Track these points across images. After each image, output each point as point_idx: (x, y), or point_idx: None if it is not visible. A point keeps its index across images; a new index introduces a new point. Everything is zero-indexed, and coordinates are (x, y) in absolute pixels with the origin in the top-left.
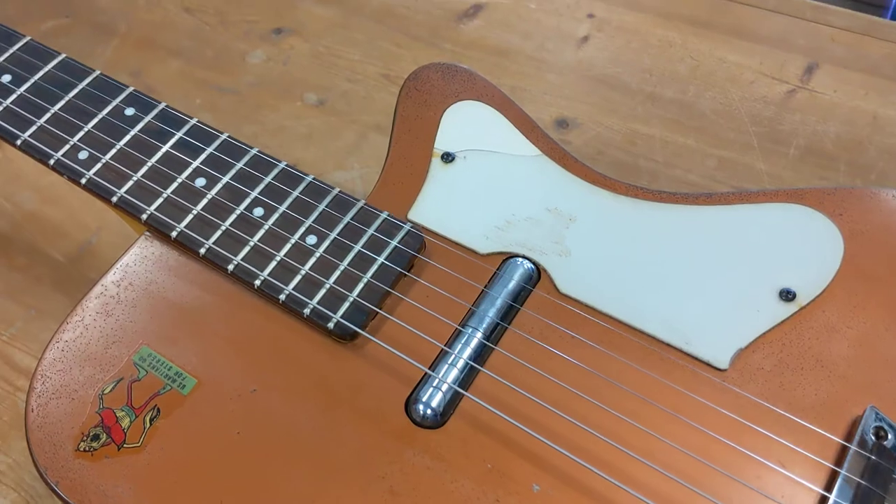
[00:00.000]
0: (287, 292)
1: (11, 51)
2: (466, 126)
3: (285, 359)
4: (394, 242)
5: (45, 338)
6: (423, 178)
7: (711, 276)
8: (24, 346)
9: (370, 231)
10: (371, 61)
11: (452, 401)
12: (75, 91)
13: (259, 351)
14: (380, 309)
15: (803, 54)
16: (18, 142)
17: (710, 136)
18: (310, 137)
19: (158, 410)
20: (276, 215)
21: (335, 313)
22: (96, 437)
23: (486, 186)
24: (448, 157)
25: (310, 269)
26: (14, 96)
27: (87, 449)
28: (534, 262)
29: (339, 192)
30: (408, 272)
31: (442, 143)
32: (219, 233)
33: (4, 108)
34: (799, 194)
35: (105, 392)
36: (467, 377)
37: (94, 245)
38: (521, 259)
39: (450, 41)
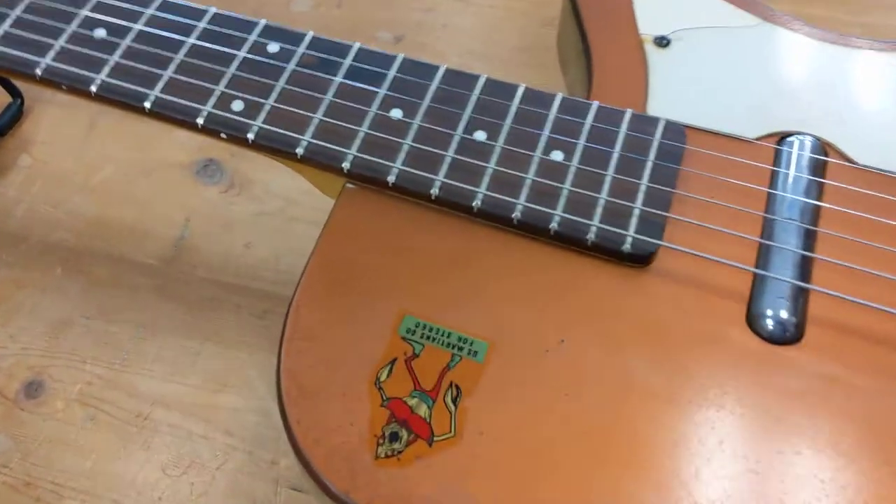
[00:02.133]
0: (558, 218)
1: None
2: (663, 4)
3: (580, 299)
4: (656, 138)
5: (167, 355)
6: (643, 69)
7: None
8: (146, 370)
9: (623, 131)
10: None
11: (798, 305)
12: (197, 32)
13: (544, 295)
14: (672, 215)
15: None
16: (148, 102)
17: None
18: None
19: (458, 388)
20: (503, 134)
21: (626, 231)
22: (395, 437)
23: (720, 66)
24: (662, 41)
25: (572, 186)
26: (121, 50)
27: (389, 454)
28: (814, 137)
29: (564, 96)
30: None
31: (647, 27)
32: (445, 167)
33: (115, 66)
34: None
35: (382, 380)
36: (803, 272)
37: (188, 239)
38: (798, 136)
39: None
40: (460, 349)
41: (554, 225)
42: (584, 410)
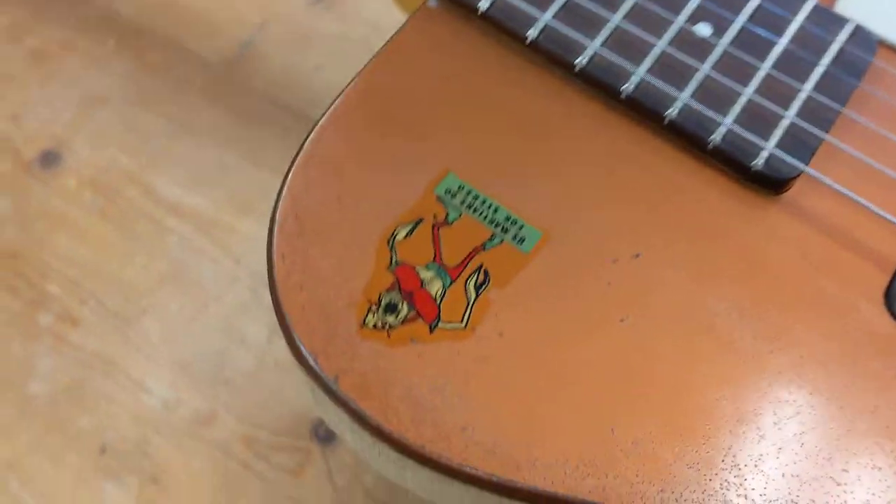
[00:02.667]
0: (681, 105)
1: None
2: None
3: (678, 212)
4: (838, 41)
5: (198, 161)
6: None
7: None
8: (168, 172)
9: (797, 22)
10: None
11: None
12: None
13: (633, 196)
14: (831, 138)
15: None
16: None
17: None
18: None
19: (487, 275)
20: None
21: (765, 142)
22: (392, 308)
23: None
24: None
25: (711, 69)
26: None
27: (379, 325)
28: None
29: None
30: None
31: None
32: (555, 6)
33: None
34: None
35: (398, 238)
36: None
37: (256, 44)
38: None
39: None
40: (505, 231)
41: (672, 111)
42: (638, 343)
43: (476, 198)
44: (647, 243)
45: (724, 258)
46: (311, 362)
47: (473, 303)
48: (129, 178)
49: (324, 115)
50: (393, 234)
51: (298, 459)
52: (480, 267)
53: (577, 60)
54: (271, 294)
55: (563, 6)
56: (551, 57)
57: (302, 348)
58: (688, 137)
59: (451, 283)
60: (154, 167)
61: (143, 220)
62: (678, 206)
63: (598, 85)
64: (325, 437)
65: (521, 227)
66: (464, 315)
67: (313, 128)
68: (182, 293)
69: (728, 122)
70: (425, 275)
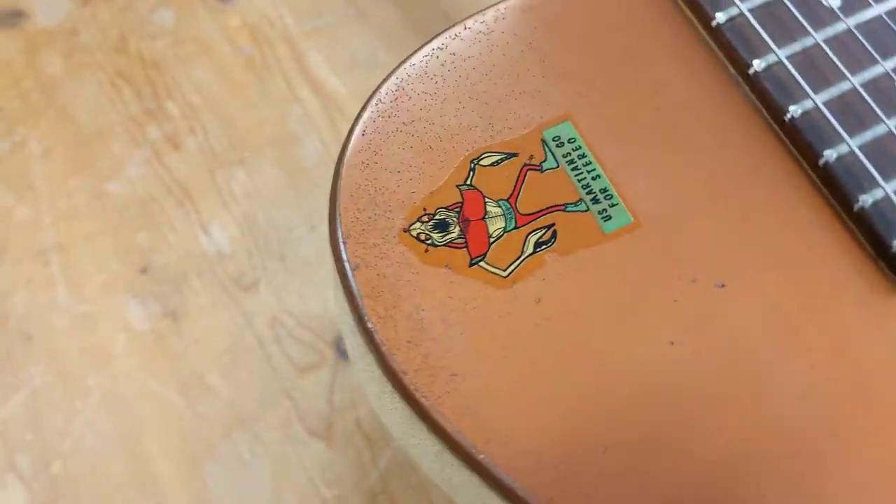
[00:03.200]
0: (843, 151)
1: None
2: None
3: (788, 262)
4: None
5: (353, 49)
6: None
7: None
8: (324, 49)
9: None
10: None
11: None
12: None
13: (751, 226)
14: None
15: None
16: None
17: None
18: None
19: (554, 235)
20: (860, 15)
21: None
22: (442, 226)
23: None
24: None
25: (895, 127)
26: None
27: (422, 237)
28: None
29: None
30: None
31: None
32: (758, 0)
33: None
34: None
35: (481, 162)
36: None
37: None
38: None
39: None
40: (595, 201)
41: (830, 153)
42: (677, 374)
43: (582, 156)
44: (737, 278)
45: (814, 331)
46: (341, 242)
47: (526, 257)
48: (287, 39)
49: (473, 15)
50: (481, 155)
51: (310, 360)
52: (551, 226)
53: (754, 62)
54: (336, 164)
55: (766, 4)
56: (728, 50)
57: (338, 225)
58: (836, 189)
59: (513, 229)
60: (314, 39)
61: (280, 81)
62: (792, 256)
63: (765, 97)
64: (344, 351)
65: (613, 205)
66: (510, 265)
67: (456, 24)
68: (282, 161)
69: (889, 189)
70: (492, 209)
